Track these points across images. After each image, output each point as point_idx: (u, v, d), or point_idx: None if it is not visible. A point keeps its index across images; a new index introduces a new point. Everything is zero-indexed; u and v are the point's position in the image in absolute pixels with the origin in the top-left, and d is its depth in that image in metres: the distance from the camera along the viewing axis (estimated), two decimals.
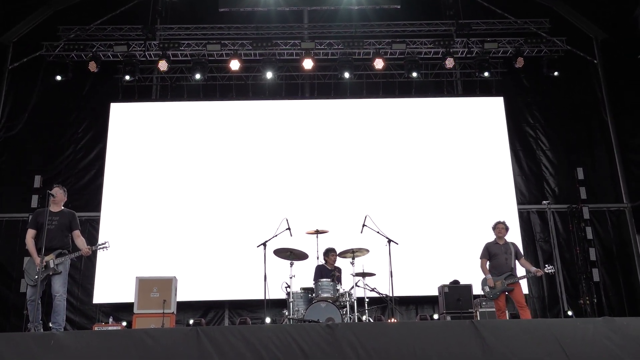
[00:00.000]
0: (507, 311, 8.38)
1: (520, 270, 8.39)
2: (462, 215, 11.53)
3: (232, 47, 12.15)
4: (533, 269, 8.26)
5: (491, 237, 8.58)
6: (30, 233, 7.06)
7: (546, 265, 8.52)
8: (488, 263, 8.38)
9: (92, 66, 11.81)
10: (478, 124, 12.27)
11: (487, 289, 8.26)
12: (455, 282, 10.13)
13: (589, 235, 11.73)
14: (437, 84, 12.90)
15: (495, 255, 8.33)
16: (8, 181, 11.91)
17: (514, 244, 8.51)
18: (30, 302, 6.77)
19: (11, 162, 12.03)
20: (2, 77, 12.38)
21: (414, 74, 12.06)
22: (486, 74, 12.12)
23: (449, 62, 11.92)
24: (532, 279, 10.84)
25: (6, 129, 12.16)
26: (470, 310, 9.64)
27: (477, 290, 9.32)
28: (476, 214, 11.28)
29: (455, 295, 9.81)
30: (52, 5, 12.47)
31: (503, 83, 12.67)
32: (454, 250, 11.05)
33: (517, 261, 8.37)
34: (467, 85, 12.91)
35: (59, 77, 11.95)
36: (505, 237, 8.51)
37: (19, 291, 10.82)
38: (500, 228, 8.49)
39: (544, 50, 12.26)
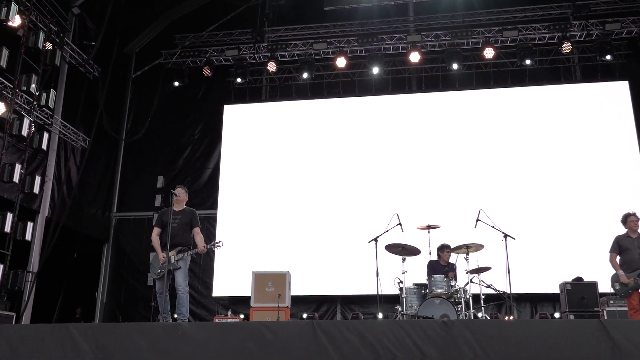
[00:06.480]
0: None
1: None
2: (585, 208, 10.88)
3: (338, 45, 12.25)
4: None
5: (619, 230, 7.95)
6: (156, 231, 7.53)
7: None
8: (618, 258, 7.78)
9: (206, 71, 12.41)
10: (601, 112, 11.51)
11: (618, 285, 7.66)
12: (579, 279, 9.58)
13: None
14: (553, 71, 12.23)
15: (627, 250, 7.70)
16: (134, 182, 12.87)
17: None
18: (159, 294, 7.23)
19: (136, 165, 12.98)
20: (127, 85, 13.35)
21: (528, 62, 11.58)
22: (608, 57, 11.35)
23: (566, 47, 11.31)
24: None
25: (131, 134, 13.09)
26: (596, 309, 9.09)
27: (603, 287, 8.76)
28: (601, 206, 10.64)
29: (579, 292, 9.30)
30: (169, 16, 13.24)
31: (628, 66, 11.82)
32: (576, 246, 10.49)
33: None
34: (587, 70, 12.15)
35: (176, 83, 12.67)
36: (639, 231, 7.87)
37: (147, 284, 11.62)
38: (633, 220, 7.83)
39: None
